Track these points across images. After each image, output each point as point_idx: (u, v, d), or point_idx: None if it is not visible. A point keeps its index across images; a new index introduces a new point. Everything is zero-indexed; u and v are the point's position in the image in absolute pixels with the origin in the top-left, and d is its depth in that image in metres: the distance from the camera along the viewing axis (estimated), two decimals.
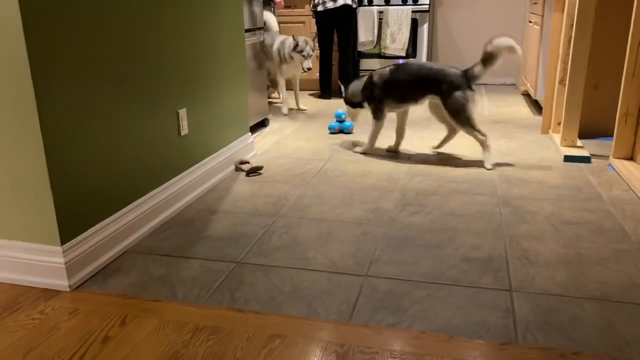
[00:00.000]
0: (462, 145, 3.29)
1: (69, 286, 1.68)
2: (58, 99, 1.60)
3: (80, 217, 1.74)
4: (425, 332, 1.44)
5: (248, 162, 2.88)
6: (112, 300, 1.63)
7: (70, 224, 1.69)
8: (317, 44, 4.94)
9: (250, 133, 3.15)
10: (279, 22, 5.26)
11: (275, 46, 4.23)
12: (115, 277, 1.77)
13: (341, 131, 3.68)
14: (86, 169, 1.75)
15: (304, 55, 4.11)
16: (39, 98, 1.53)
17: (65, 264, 1.66)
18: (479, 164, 2.90)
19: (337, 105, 4.62)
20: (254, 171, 2.81)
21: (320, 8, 4.73)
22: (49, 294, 1.66)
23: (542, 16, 4.02)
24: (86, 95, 1.72)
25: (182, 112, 2.32)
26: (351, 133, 3.68)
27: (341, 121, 3.67)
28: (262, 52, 3.94)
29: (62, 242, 1.66)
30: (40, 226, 1.65)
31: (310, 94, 5.28)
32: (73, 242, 1.70)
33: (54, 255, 1.66)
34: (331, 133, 3.68)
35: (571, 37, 3.04)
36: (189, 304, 1.60)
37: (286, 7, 5.24)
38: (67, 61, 1.63)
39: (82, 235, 1.74)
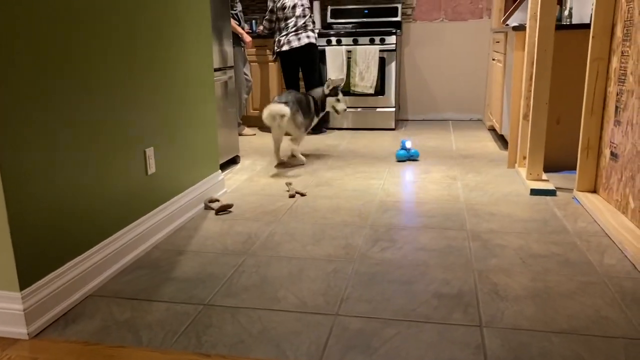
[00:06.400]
0: (431, 180, 3.33)
1: (28, 334, 1.60)
2: (18, 139, 1.57)
3: (41, 260, 1.68)
4: None
5: (218, 200, 2.86)
6: (74, 348, 1.56)
7: (31, 267, 1.64)
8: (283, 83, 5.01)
9: (220, 170, 3.13)
10: (250, 61, 5.32)
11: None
12: (77, 323, 1.70)
13: (409, 158, 3.91)
14: (48, 210, 1.71)
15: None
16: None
17: (24, 310, 1.60)
18: (447, 198, 2.94)
19: (308, 142, 4.64)
20: (224, 209, 2.78)
21: (285, 47, 4.84)
22: (6, 342, 1.59)
23: (505, 54, 4.16)
24: (48, 136, 1.69)
25: (150, 151, 2.30)
26: (417, 160, 3.92)
27: (407, 149, 3.90)
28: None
29: (21, 288, 1.60)
30: None
31: None
32: (33, 287, 1.64)
33: (11, 301, 1.60)
34: (399, 161, 3.88)
35: (532, 74, 3.15)
36: (154, 350, 1.54)
37: (255, 46, 5.32)
38: (27, 98, 1.60)
39: (42, 279, 1.68)
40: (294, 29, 4.80)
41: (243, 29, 4.79)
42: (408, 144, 3.90)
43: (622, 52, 2.54)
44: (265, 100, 5.44)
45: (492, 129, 5.11)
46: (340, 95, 4.03)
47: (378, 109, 5.22)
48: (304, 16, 4.82)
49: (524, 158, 3.39)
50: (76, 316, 1.74)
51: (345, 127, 5.33)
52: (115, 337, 1.61)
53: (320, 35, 5.11)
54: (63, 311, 1.76)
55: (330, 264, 2.11)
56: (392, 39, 5.10)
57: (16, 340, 1.60)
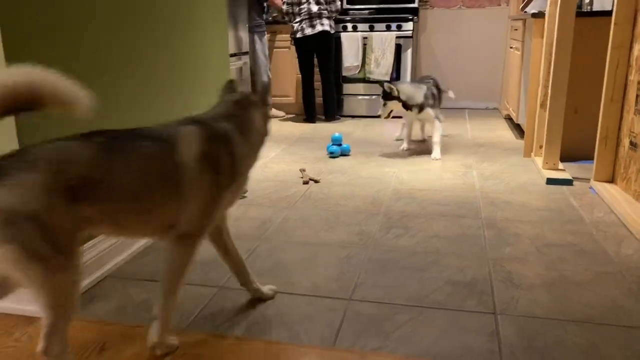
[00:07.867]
0: (446, 168, 3.32)
1: None
2: (33, 121, 1.59)
3: None
4: (409, 356, 1.43)
5: None
6: (91, 327, 1.59)
7: None
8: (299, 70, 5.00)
9: None
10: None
11: None
12: (94, 302, 1.73)
13: (342, 154, 3.67)
14: None
15: None
16: (18, 125, 1.51)
17: None
18: (462, 186, 2.92)
19: (322, 129, 4.64)
20: None
21: (299, 35, 4.83)
22: (26, 320, 1.62)
23: (523, 42, 4.11)
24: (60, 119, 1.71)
25: None
26: (349, 155, 3.69)
27: (339, 144, 3.68)
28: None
29: None
30: None
31: (293, 118, 5.30)
32: None
33: None
34: (332, 157, 3.64)
35: (551, 62, 3.11)
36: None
37: (271, 32, 5.30)
38: None
39: None
40: (307, 16, 4.77)
41: (265, 8, 4.87)
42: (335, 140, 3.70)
43: None
44: (284, 86, 5.43)
45: (508, 118, 5.06)
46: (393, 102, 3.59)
47: None
48: (318, 3, 4.78)
49: (541, 147, 3.35)
50: (93, 296, 1.77)
51: (359, 114, 5.31)
52: (132, 317, 1.64)
53: (336, 21, 5.08)
54: (81, 291, 1.78)
55: (344, 250, 2.12)
56: (408, 26, 5.05)
57: (35, 318, 1.63)
